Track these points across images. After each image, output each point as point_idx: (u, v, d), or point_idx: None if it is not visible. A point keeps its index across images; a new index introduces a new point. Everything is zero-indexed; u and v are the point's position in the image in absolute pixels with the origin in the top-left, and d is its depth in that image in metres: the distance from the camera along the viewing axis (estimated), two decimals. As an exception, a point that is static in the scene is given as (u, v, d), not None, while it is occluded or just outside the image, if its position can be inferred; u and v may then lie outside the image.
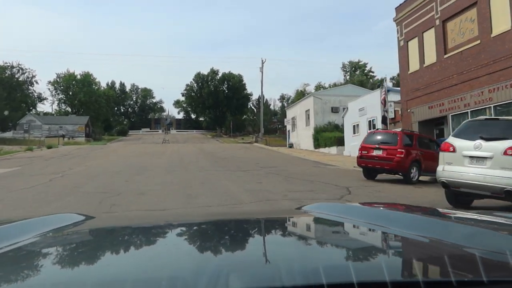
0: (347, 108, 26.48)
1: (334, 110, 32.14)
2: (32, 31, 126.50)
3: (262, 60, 42.15)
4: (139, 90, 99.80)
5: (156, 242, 1.06)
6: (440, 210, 1.58)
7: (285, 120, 37.03)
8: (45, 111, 69.01)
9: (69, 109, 66.50)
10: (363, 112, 23.97)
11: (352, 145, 25.22)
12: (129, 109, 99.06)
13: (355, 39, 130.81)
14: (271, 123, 58.47)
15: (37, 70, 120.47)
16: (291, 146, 36.47)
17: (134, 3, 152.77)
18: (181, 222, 1.36)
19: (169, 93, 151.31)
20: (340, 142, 27.47)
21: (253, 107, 66.25)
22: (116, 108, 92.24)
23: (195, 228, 1.24)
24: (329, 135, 28.80)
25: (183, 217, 2.00)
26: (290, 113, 38.21)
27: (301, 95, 60.48)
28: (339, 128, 30.77)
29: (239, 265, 0.74)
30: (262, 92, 42.84)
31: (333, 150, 27.81)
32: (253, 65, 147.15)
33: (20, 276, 0.73)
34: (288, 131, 38.75)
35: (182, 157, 20.40)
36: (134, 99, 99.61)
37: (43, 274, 0.75)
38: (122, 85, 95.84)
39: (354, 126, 25.38)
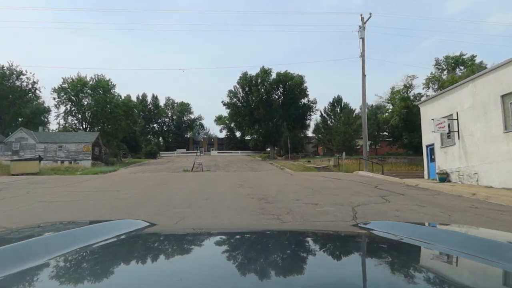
0: None
1: None
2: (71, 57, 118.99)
3: (362, 18, 23.06)
4: (175, 104, 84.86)
5: (226, 251, 1.04)
6: None
7: (435, 123, 17.25)
8: (59, 129, 54.87)
9: (78, 123, 51.23)
10: None
11: None
12: (164, 126, 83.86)
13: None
14: (358, 137, 38.80)
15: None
16: (444, 178, 16.88)
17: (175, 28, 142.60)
18: (242, 232, 1.38)
19: (210, 110, 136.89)
20: None
21: (324, 115, 46.85)
22: (147, 126, 77.62)
23: (258, 239, 1.23)
24: None
25: (245, 229, 1.72)
26: (433, 111, 18.85)
27: (399, 92, 40.62)
28: None
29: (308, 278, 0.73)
30: (364, 77, 23.32)
31: None
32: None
33: (101, 273, 0.76)
34: (430, 147, 19.24)
35: None
36: (170, 115, 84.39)
37: (119, 273, 0.78)
38: (154, 98, 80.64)
39: None
